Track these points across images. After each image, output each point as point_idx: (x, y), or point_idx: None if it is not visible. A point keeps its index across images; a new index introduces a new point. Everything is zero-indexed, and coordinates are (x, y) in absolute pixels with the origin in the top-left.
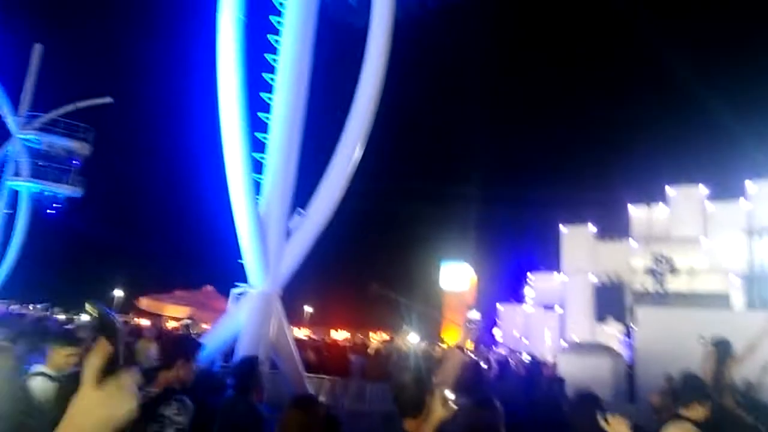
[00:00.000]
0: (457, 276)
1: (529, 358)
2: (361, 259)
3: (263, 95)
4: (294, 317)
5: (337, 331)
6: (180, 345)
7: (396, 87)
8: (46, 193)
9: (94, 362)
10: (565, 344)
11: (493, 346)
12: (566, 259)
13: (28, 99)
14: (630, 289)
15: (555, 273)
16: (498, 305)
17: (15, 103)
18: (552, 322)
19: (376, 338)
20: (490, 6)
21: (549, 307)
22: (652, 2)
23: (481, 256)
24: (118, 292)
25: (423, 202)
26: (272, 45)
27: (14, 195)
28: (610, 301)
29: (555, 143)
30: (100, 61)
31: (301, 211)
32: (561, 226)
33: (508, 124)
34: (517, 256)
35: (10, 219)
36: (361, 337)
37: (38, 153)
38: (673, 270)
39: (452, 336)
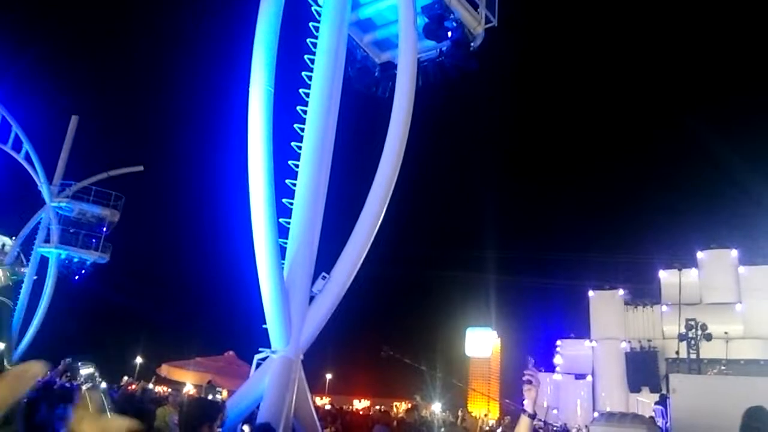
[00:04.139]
0: (482, 343)
1: (559, 428)
2: (384, 326)
3: (290, 163)
4: (315, 384)
5: (359, 400)
6: (203, 410)
7: (420, 153)
8: (74, 259)
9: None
10: (597, 414)
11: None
12: (596, 326)
13: (62, 168)
14: (663, 356)
15: (585, 340)
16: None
17: (49, 172)
18: (583, 390)
19: (400, 407)
20: (516, 68)
21: (580, 376)
22: (682, 73)
23: (507, 323)
24: (139, 359)
25: (447, 268)
26: (299, 114)
27: (43, 261)
28: (643, 368)
29: (583, 208)
30: (131, 131)
31: (326, 275)
32: (590, 292)
33: (535, 188)
34: (544, 323)
35: (38, 284)
36: (383, 406)
37: (69, 220)
38: (708, 336)
39: (478, 405)
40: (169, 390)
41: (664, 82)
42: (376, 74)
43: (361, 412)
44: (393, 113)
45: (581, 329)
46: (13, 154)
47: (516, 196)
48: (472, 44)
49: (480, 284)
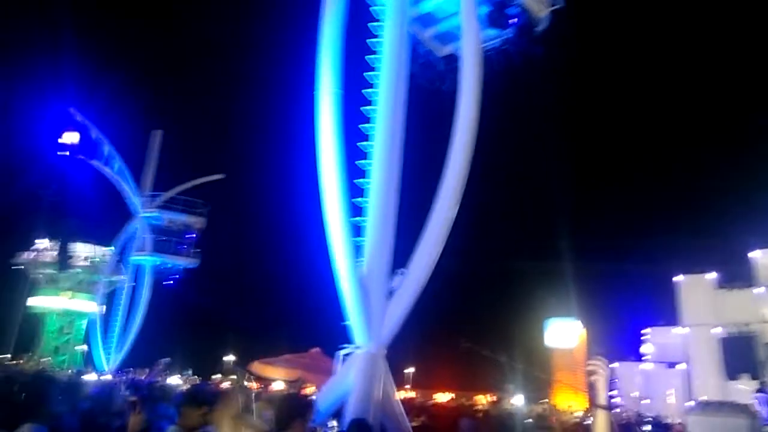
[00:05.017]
0: (565, 333)
1: (652, 419)
2: (463, 319)
3: (360, 163)
4: (397, 378)
5: (443, 393)
6: (295, 406)
7: (490, 142)
8: (168, 265)
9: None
10: (692, 403)
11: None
12: (686, 311)
13: (151, 180)
14: (763, 341)
15: (674, 327)
16: (612, 364)
17: (139, 184)
18: (675, 379)
19: (482, 400)
20: (591, 49)
21: (671, 364)
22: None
23: (591, 312)
24: (231, 357)
25: (526, 259)
26: (365, 115)
27: (139, 268)
28: (741, 354)
29: (666, 190)
30: (212, 142)
31: (403, 271)
32: (677, 277)
33: (614, 173)
34: (629, 311)
35: (135, 290)
36: (467, 399)
37: (160, 229)
38: None
39: (563, 397)
40: (261, 386)
41: (749, 61)
42: (440, 68)
43: (446, 405)
44: (460, 105)
45: (670, 316)
46: (107, 170)
47: (594, 181)
48: (536, 29)
49: (560, 274)
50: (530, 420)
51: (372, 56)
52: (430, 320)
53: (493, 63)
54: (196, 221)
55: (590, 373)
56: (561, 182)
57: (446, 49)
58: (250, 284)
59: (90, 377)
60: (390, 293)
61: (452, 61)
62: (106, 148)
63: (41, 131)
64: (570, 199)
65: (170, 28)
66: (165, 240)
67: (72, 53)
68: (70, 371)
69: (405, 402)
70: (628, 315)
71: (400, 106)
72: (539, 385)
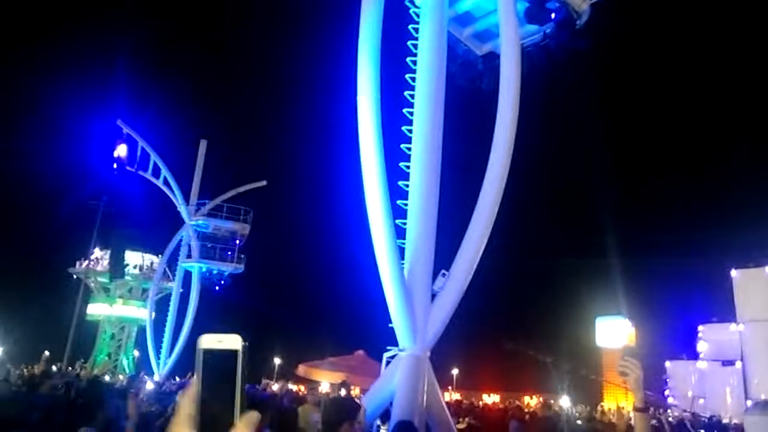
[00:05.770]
0: (613, 332)
1: (708, 419)
2: (509, 318)
3: (401, 165)
4: (442, 380)
5: (488, 395)
6: (343, 408)
7: (531, 139)
8: (214, 271)
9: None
10: (751, 402)
11: (662, 408)
12: (742, 307)
13: (197, 188)
14: None
15: (730, 323)
16: (665, 363)
17: (185, 193)
18: (732, 377)
19: (530, 401)
20: (633, 42)
21: (727, 362)
22: None
23: (641, 310)
24: (277, 361)
25: (571, 256)
26: (406, 116)
27: (187, 274)
28: None
29: (721, 180)
30: (253, 150)
31: (446, 272)
32: (732, 271)
33: (667, 163)
34: (682, 307)
35: (183, 297)
36: (514, 400)
37: (206, 236)
38: None
39: (613, 398)
40: (307, 389)
41: None
42: (479, 67)
43: (493, 407)
44: (500, 103)
45: (725, 312)
46: (153, 180)
47: (643, 173)
48: (577, 22)
49: (607, 270)
50: (580, 422)
51: (411, 58)
52: (475, 321)
53: (533, 59)
54: (241, 227)
55: (622, 374)
56: (607, 176)
57: (485, 48)
58: (294, 289)
59: (143, 382)
60: (433, 295)
61: (492, 59)
62: (154, 159)
63: (92, 145)
64: (617, 192)
65: (213, 40)
66: (211, 246)
67: (120, 68)
68: (123, 377)
69: (451, 404)
70: (680, 312)
71: (439, 106)
72: (588, 387)
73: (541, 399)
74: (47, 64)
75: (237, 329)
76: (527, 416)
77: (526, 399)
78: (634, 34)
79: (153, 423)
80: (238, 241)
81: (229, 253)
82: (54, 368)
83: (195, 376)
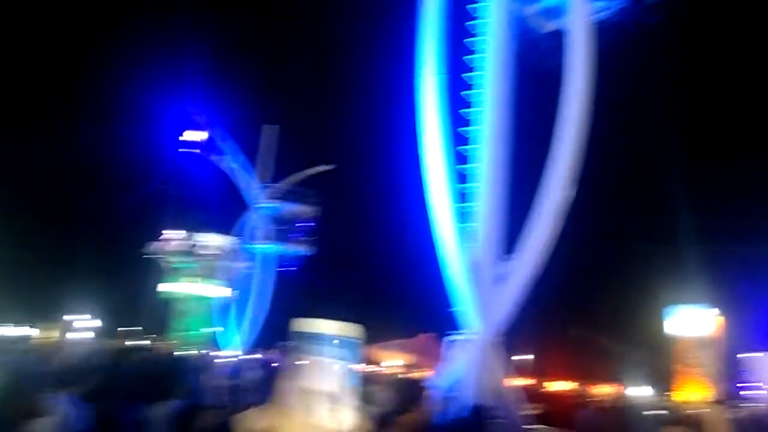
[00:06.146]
0: (693, 321)
1: None
2: (581, 304)
3: (463, 148)
4: (510, 365)
5: (558, 381)
6: (413, 390)
7: (605, 118)
8: (284, 252)
9: None
10: None
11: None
12: None
13: (266, 172)
14: None
15: None
16: (755, 354)
17: (256, 176)
18: None
19: (602, 390)
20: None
21: None
22: None
23: (726, 298)
24: None
25: (647, 240)
26: (468, 99)
27: (257, 256)
28: None
29: None
30: (323, 133)
31: (513, 257)
32: None
33: (753, 142)
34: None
35: (254, 277)
36: (585, 388)
37: (276, 218)
38: None
39: (690, 388)
40: (376, 370)
41: None
42: (545, 45)
43: (562, 394)
44: (569, 82)
45: None
46: (227, 164)
47: (727, 153)
48: None
49: (687, 256)
50: (655, 412)
51: (471, 39)
52: (544, 306)
53: (602, 35)
54: (310, 210)
55: (699, 365)
56: (688, 157)
57: (551, 25)
58: (363, 270)
59: (219, 357)
60: (501, 279)
61: (558, 36)
62: (226, 144)
63: (166, 131)
64: (700, 175)
65: (282, 26)
66: (281, 229)
67: (192, 55)
68: (200, 352)
69: (519, 389)
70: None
71: (505, 87)
72: (663, 376)
73: (612, 388)
74: (126, 57)
75: (306, 309)
76: (601, 405)
77: (597, 387)
78: (711, 7)
79: (229, 395)
80: (307, 223)
81: (299, 235)
82: (135, 343)
83: None
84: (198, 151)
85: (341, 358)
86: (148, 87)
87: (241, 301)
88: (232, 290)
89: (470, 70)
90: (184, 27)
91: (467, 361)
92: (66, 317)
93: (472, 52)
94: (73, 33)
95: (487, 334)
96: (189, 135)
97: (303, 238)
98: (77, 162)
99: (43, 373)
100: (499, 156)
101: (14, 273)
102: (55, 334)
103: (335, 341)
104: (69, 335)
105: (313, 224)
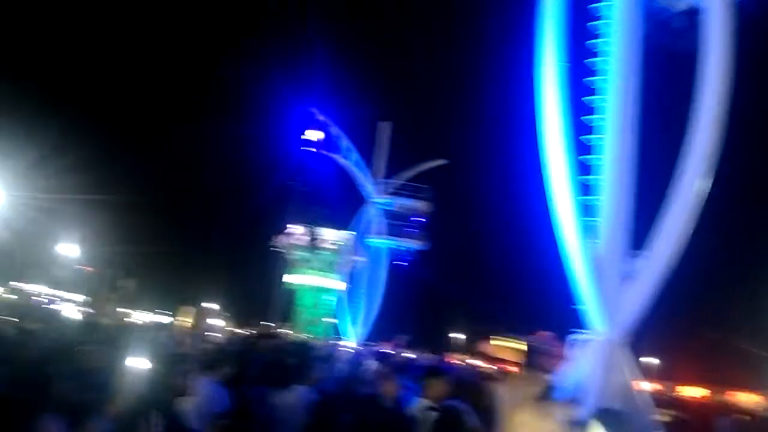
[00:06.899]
0: None
1: None
2: (717, 305)
3: (587, 138)
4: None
5: (691, 387)
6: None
7: (749, 103)
8: (399, 247)
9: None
10: None
11: None
12: None
13: (381, 168)
14: None
15: None
16: None
17: (371, 172)
18: None
19: (740, 398)
20: None
21: None
22: None
23: None
24: (460, 336)
25: None
26: (590, 86)
27: (373, 250)
28: None
29: None
30: (436, 129)
31: (644, 253)
32: None
33: None
34: None
35: (371, 271)
36: (721, 395)
37: (392, 213)
38: None
39: None
40: (490, 366)
41: None
42: (678, 25)
43: (697, 401)
44: (706, 64)
45: None
46: (344, 161)
47: None
48: None
49: None
50: None
51: (595, 22)
52: (674, 306)
53: (744, 10)
54: (423, 205)
55: None
56: None
57: (684, 3)
58: (477, 265)
59: (342, 348)
60: (628, 276)
61: (693, 14)
62: (344, 142)
63: (290, 131)
64: None
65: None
66: (396, 224)
67: (311, 56)
68: (325, 342)
69: (651, 394)
70: None
71: (633, 72)
72: None
73: (753, 396)
74: (251, 63)
75: (421, 303)
76: (743, 415)
77: (734, 395)
78: None
79: (348, 384)
80: (421, 219)
81: (413, 230)
82: (265, 331)
83: None
84: (314, 149)
85: None
86: (274, 88)
87: (356, 294)
88: (348, 283)
89: (593, 55)
90: (306, 30)
91: (594, 362)
92: (202, 305)
93: (595, 36)
94: (208, 40)
95: (616, 334)
96: (311, 134)
97: (416, 233)
98: (211, 161)
99: (187, 357)
100: (626, 145)
101: (153, 266)
102: (189, 322)
103: None
104: (204, 323)
105: (426, 220)
